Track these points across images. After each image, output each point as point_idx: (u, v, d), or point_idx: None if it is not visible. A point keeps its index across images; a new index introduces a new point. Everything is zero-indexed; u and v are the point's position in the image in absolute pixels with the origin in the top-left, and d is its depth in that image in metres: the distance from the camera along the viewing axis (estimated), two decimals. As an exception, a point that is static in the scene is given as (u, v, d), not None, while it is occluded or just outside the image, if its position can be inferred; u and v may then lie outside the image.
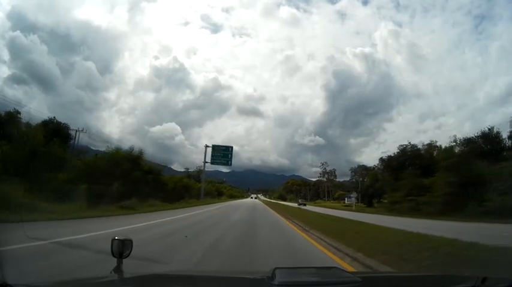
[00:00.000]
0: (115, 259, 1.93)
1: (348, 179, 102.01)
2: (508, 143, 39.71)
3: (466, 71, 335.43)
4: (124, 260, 1.94)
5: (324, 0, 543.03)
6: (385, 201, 67.34)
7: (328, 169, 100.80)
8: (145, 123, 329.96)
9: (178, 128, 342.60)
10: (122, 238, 1.98)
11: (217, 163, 41.70)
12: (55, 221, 10.48)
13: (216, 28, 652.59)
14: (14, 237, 6.39)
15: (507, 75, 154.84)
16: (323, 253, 7.43)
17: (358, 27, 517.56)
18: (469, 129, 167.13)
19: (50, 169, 18.69)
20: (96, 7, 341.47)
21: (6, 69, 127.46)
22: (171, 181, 40.94)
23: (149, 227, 11.39)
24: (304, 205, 53.32)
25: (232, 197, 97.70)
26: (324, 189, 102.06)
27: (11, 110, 27.64)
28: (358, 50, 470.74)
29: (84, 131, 32.80)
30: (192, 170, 71.02)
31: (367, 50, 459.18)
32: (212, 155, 40.86)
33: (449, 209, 26.87)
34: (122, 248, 1.94)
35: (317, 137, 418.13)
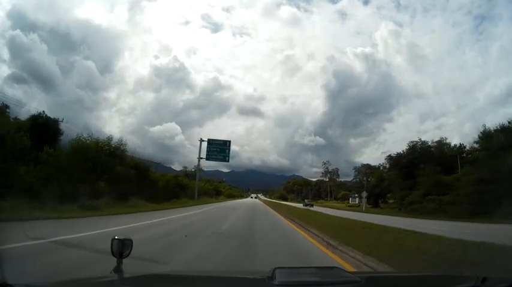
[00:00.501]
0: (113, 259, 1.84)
1: (348, 179, 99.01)
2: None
3: (466, 71, 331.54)
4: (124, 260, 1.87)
5: (325, 0, 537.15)
6: (391, 201, 63.87)
7: (330, 168, 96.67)
8: (145, 123, 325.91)
9: (178, 128, 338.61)
10: (121, 237, 1.91)
11: (214, 159, 37.04)
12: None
13: (216, 28, 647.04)
14: None
15: (507, 76, 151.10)
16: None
17: (358, 27, 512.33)
18: (470, 130, 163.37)
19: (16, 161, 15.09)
20: (96, 6, 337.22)
21: (6, 69, 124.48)
22: (163, 179, 37.04)
23: (79, 241, 7.16)
24: (311, 205, 47.16)
25: (231, 196, 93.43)
26: (326, 189, 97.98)
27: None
28: (358, 50, 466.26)
29: (66, 122, 28.72)
30: (190, 169, 67.29)
31: (367, 50, 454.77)
32: (208, 151, 36.46)
33: (479, 210, 22.93)
34: (121, 248, 1.88)
35: (317, 137, 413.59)
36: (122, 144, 22.95)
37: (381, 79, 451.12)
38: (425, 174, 33.98)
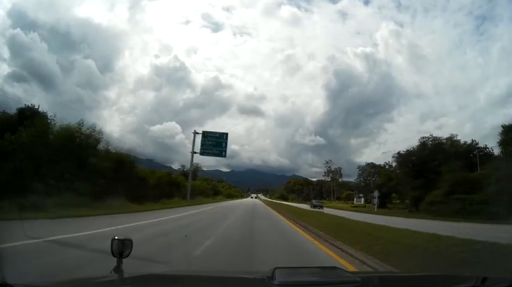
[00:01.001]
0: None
1: (348, 179, 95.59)
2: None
3: (467, 71, 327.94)
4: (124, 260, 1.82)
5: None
6: (396, 201, 60.14)
7: (332, 167, 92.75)
8: (145, 122, 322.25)
9: (178, 127, 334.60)
10: (121, 237, 1.90)
11: (209, 154, 32.54)
12: None
13: (216, 27, 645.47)
14: None
15: (508, 76, 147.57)
16: None
17: (359, 27, 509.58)
18: (470, 130, 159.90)
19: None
20: (97, 5, 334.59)
21: (7, 67, 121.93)
22: (153, 177, 33.17)
23: None
24: (321, 207, 40.24)
25: (230, 196, 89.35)
26: (329, 189, 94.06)
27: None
28: (359, 50, 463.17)
29: (55, 116, 24.79)
30: (188, 167, 63.48)
31: (368, 50, 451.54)
32: (202, 144, 32.09)
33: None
34: (121, 248, 1.87)
35: (317, 137, 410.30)
36: (94, 131, 18.99)
37: (381, 79, 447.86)
38: (449, 170, 29.85)
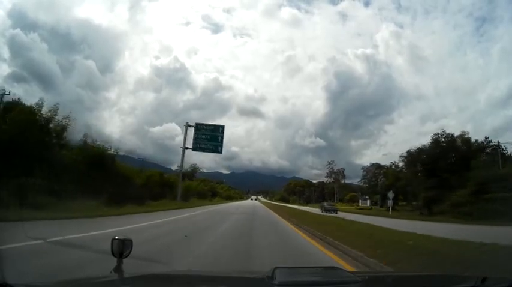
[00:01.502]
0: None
1: (348, 181, 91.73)
2: None
3: (467, 73, 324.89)
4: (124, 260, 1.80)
5: (325, 1, 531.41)
6: (402, 203, 56.47)
7: (335, 168, 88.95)
8: (145, 123, 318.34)
9: (178, 128, 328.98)
10: (121, 237, 1.88)
11: (202, 149, 28.06)
12: None
13: (217, 28, 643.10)
14: None
15: (508, 78, 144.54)
16: None
17: (359, 28, 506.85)
18: (471, 132, 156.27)
19: None
20: (97, 5, 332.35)
21: (7, 68, 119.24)
22: (141, 176, 29.55)
23: None
24: (335, 211, 34.35)
25: (229, 198, 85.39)
26: (331, 190, 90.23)
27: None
28: (359, 51, 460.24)
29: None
30: (186, 168, 59.80)
31: (368, 51, 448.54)
32: (195, 139, 27.65)
33: None
34: (121, 248, 1.85)
35: (317, 138, 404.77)
36: (56, 113, 15.27)
37: (381, 81, 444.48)
38: (477, 166, 26.15)
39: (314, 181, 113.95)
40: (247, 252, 6.68)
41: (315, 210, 36.71)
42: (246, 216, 19.31)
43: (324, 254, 6.76)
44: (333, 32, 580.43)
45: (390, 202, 35.07)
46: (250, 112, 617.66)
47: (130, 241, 1.90)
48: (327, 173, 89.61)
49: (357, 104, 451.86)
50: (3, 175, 12.58)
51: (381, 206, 56.75)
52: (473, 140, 44.36)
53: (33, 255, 5.03)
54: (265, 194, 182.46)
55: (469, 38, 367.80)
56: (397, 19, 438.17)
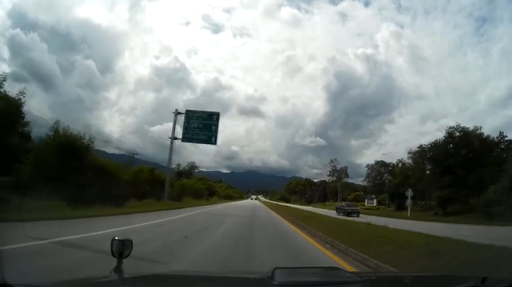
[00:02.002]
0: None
1: (349, 180, 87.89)
2: None
3: (467, 73, 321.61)
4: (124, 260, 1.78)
5: (325, 1, 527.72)
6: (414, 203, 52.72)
7: (338, 166, 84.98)
8: (145, 122, 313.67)
9: (178, 128, 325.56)
10: (121, 238, 1.85)
11: (194, 140, 23.88)
12: None
13: (217, 28, 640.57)
14: None
15: (508, 78, 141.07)
16: None
17: (359, 28, 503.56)
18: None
19: None
20: (97, 5, 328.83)
21: (6, 67, 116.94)
22: (126, 172, 25.67)
23: None
24: (357, 213, 27.83)
25: (228, 198, 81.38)
26: (333, 190, 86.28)
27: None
28: (359, 51, 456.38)
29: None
30: (184, 167, 56.03)
31: (368, 51, 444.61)
32: (185, 128, 23.51)
33: None
34: (121, 248, 1.83)
35: (318, 138, 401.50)
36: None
37: (381, 80, 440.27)
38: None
39: (315, 180, 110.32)
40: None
41: (322, 211, 32.62)
42: (245, 220, 15.33)
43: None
44: (333, 32, 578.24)
45: (409, 202, 31.19)
46: (250, 112, 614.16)
47: (131, 241, 1.86)
48: (330, 172, 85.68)
49: (357, 104, 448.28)
50: None
51: (388, 206, 52.97)
52: (502, 131, 40.81)
53: None
54: (265, 193, 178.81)
55: (469, 38, 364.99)
56: (397, 19, 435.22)
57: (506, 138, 41.35)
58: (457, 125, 41.74)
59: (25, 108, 14.90)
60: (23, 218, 7.36)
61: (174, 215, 14.87)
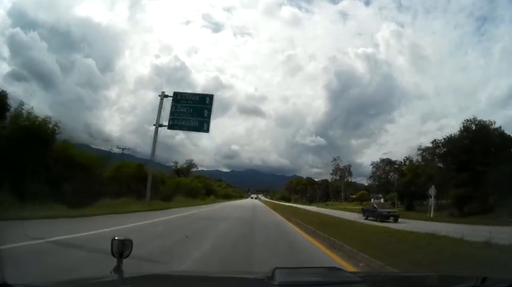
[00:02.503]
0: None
1: (351, 180, 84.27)
2: None
3: (468, 72, 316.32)
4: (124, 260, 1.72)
5: (326, 0, 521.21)
6: (424, 202, 49.24)
7: (341, 165, 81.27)
8: (145, 122, 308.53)
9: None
10: (121, 238, 1.80)
11: (182, 127, 19.99)
12: None
13: (217, 27, 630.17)
14: None
15: (509, 77, 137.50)
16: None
17: (360, 27, 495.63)
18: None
19: None
20: (97, 4, 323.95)
21: (6, 66, 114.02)
22: (108, 167, 22.33)
23: None
24: (396, 218, 19.91)
25: (228, 197, 77.60)
26: (336, 189, 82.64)
27: None
28: (360, 51, 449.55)
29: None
30: (181, 164, 52.53)
31: (369, 50, 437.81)
32: (172, 113, 19.54)
33: None
34: (121, 248, 1.78)
35: (318, 137, 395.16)
36: None
37: (382, 80, 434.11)
38: None
39: (316, 180, 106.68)
40: None
41: (330, 211, 28.82)
42: (240, 229, 11.03)
43: None
44: (334, 31, 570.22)
45: (431, 201, 27.35)
46: (251, 111, 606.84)
47: (131, 241, 1.82)
48: (333, 170, 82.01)
49: (358, 103, 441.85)
50: None
51: (395, 206, 49.31)
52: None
53: None
54: (265, 192, 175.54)
55: (469, 37, 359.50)
56: (397, 18, 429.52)
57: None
58: (473, 118, 38.19)
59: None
60: None
61: (144, 220, 10.97)
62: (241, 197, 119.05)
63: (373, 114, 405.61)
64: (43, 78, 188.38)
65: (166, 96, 19.77)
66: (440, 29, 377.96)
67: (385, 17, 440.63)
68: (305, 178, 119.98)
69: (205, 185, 52.84)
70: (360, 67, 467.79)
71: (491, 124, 37.51)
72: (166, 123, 19.88)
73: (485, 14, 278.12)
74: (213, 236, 8.35)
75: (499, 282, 1.76)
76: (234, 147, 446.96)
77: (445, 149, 39.74)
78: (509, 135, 36.46)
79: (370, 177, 66.33)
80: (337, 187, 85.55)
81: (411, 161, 57.01)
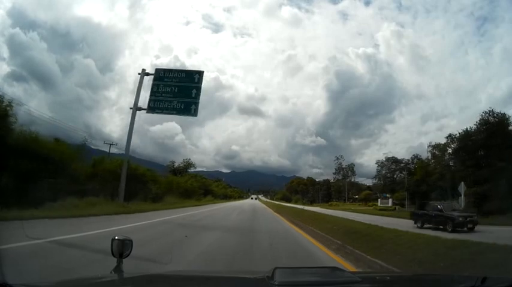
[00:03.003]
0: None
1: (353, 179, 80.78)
2: None
3: (468, 72, 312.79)
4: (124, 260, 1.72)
5: (326, 0, 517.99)
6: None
7: (344, 164, 77.78)
8: (145, 122, 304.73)
9: (178, 127, 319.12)
10: (121, 237, 1.76)
11: (164, 110, 16.47)
12: None
13: (217, 28, 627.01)
14: None
15: (509, 77, 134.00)
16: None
17: (360, 27, 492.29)
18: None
19: None
20: (96, 4, 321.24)
21: (6, 67, 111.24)
22: (84, 165, 19.23)
23: None
24: (473, 224, 13.74)
25: (226, 197, 74.01)
26: (339, 189, 79.16)
27: None
28: (360, 51, 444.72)
29: None
30: (179, 164, 49.21)
31: (369, 50, 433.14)
32: (153, 93, 16.12)
33: None
34: (121, 248, 1.75)
35: (318, 137, 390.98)
36: None
37: (382, 80, 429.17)
38: None
39: (317, 180, 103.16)
40: None
41: (342, 214, 24.94)
42: (233, 245, 7.06)
43: None
44: (334, 31, 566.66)
45: (462, 200, 23.74)
46: (251, 111, 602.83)
47: (131, 241, 1.78)
48: (335, 170, 78.52)
49: (358, 104, 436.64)
50: None
51: (402, 206, 45.91)
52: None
53: None
54: (265, 193, 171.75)
55: (469, 37, 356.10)
56: (398, 18, 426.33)
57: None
58: (491, 110, 34.81)
59: None
60: None
61: (81, 231, 7.23)
62: (240, 197, 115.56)
63: (373, 114, 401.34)
64: (43, 79, 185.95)
65: (148, 74, 16.31)
66: (440, 29, 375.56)
67: (385, 17, 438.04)
68: (306, 178, 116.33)
69: (202, 185, 49.30)
70: (360, 67, 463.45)
71: (508, 118, 34.38)
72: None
73: (485, 14, 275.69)
74: (180, 264, 4.82)
75: (499, 282, 1.70)
76: (234, 147, 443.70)
77: (459, 145, 36.44)
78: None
79: (375, 176, 62.83)
80: (339, 187, 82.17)
81: (419, 159, 53.74)
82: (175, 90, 15.76)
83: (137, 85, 16.17)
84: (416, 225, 16.25)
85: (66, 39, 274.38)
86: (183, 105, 15.61)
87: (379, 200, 52.72)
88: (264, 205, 44.86)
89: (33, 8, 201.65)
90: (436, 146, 46.27)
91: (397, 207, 45.54)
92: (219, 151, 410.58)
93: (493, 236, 8.26)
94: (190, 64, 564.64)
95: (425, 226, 15.80)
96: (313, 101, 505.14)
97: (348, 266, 4.97)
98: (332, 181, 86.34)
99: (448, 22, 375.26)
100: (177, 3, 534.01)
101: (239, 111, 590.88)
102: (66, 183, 14.46)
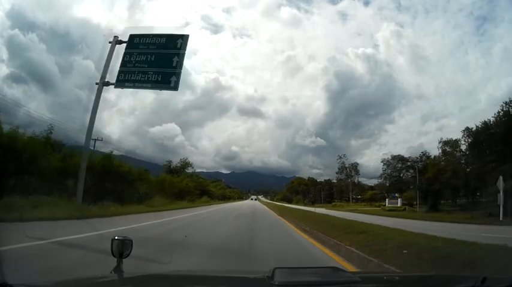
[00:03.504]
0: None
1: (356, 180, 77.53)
2: None
3: (468, 72, 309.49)
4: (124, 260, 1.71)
5: (325, 0, 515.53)
6: (446, 201, 42.61)
7: (347, 163, 74.51)
8: (144, 123, 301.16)
9: (178, 128, 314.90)
10: (121, 237, 1.76)
11: (136, 84, 12.82)
12: None
13: (216, 29, 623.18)
14: None
15: (509, 77, 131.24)
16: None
17: (359, 28, 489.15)
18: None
19: None
20: (96, 5, 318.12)
21: (5, 68, 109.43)
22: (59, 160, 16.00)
23: None
24: None
25: (225, 198, 70.60)
26: (342, 188, 75.85)
27: None
28: (359, 51, 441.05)
29: None
30: (176, 163, 46.04)
31: (368, 51, 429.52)
32: (124, 63, 12.72)
33: None
34: (121, 248, 1.73)
35: (318, 138, 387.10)
36: None
37: (382, 80, 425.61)
38: None
39: (318, 180, 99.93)
40: None
41: (355, 216, 21.42)
42: None
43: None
44: (333, 31, 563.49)
45: (501, 197, 20.41)
46: (251, 112, 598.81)
47: (131, 241, 1.76)
48: (338, 169, 75.23)
49: (358, 104, 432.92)
50: None
51: (411, 206, 42.71)
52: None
53: None
54: (265, 193, 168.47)
55: (469, 37, 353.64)
56: (397, 18, 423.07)
57: None
58: (511, 100, 31.64)
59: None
60: None
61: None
62: (240, 198, 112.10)
63: (373, 114, 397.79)
64: (42, 80, 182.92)
65: (121, 42, 12.96)
66: (440, 29, 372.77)
67: (385, 17, 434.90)
68: (307, 178, 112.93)
69: (198, 185, 45.97)
70: (360, 67, 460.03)
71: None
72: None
73: (485, 14, 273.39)
74: None
75: (499, 282, 1.70)
76: (234, 148, 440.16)
77: (475, 139, 33.27)
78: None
79: (381, 175, 59.49)
80: (341, 187, 78.98)
81: (428, 156, 50.56)
82: (152, 59, 12.41)
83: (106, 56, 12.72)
84: None
85: (66, 41, 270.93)
86: (160, 76, 12.16)
87: (386, 200, 49.38)
88: (265, 207, 41.22)
89: (33, 9, 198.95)
90: (447, 142, 43.16)
91: (406, 207, 42.34)
92: (219, 151, 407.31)
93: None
94: (190, 65, 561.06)
95: None
96: (312, 102, 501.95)
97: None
98: (334, 180, 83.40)
99: (447, 22, 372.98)
100: (176, 4, 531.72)
101: (239, 112, 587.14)
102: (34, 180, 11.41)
